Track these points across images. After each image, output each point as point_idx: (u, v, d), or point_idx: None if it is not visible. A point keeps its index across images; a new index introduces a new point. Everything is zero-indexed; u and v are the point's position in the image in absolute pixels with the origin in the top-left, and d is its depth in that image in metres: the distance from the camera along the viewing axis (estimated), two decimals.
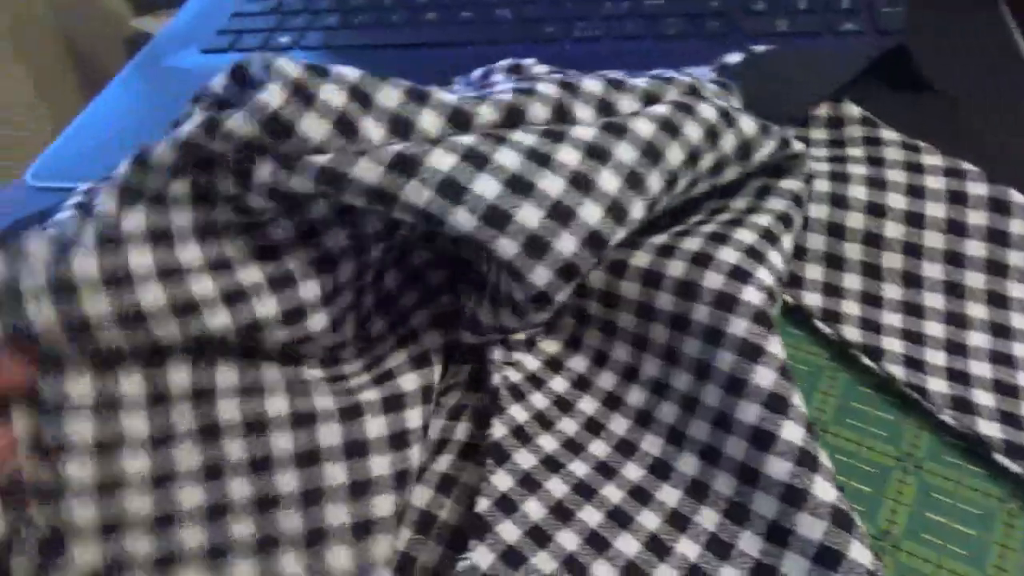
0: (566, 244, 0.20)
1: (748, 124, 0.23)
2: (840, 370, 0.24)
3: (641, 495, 0.21)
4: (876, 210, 0.26)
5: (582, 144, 0.21)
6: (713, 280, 0.21)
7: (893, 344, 0.23)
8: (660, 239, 0.24)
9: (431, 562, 0.21)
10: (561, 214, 0.20)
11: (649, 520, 0.20)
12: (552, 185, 0.20)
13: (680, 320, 0.22)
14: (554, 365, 0.24)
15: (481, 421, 0.23)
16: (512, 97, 0.21)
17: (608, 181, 0.20)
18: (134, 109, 0.39)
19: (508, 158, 0.20)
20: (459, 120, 0.21)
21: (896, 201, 0.26)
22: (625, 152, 0.21)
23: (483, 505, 0.20)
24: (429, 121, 0.20)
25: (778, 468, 0.19)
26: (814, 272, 0.25)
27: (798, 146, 0.25)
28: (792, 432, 0.19)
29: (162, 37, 0.44)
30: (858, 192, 0.26)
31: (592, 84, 0.23)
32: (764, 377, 0.20)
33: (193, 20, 0.45)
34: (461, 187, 0.19)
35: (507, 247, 0.19)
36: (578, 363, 0.24)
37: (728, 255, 0.22)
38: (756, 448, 0.19)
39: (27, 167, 0.36)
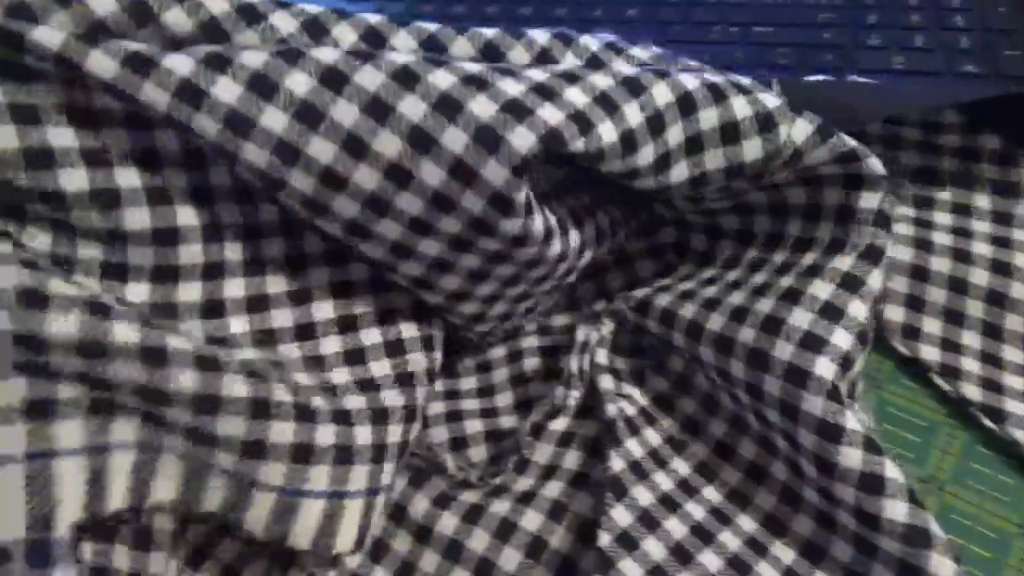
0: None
1: (742, 105, 0.20)
2: (959, 428, 0.23)
3: (757, 547, 0.21)
4: (1002, 269, 0.25)
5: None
6: (783, 350, 0.20)
7: (1018, 408, 0.23)
8: (738, 298, 0.23)
9: None
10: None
11: (768, 572, 0.20)
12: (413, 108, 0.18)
13: (755, 390, 0.21)
14: (664, 403, 0.24)
15: (592, 450, 0.24)
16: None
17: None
18: None
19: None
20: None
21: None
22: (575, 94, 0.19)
23: (604, 540, 0.20)
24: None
25: (890, 546, 0.19)
26: (932, 326, 0.25)
27: (872, 165, 0.21)
28: (895, 510, 0.18)
29: None
30: (983, 249, 0.25)
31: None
32: (851, 458, 0.19)
33: None
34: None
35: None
36: (688, 404, 0.24)
37: (800, 319, 0.21)
38: (867, 526, 0.19)
39: None
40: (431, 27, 0.21)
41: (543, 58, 0.22)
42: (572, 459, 0.24)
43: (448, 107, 0.18)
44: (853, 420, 0.19)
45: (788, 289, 0.22)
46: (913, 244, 0.26)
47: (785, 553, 0.20)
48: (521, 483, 0.23)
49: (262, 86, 0.18)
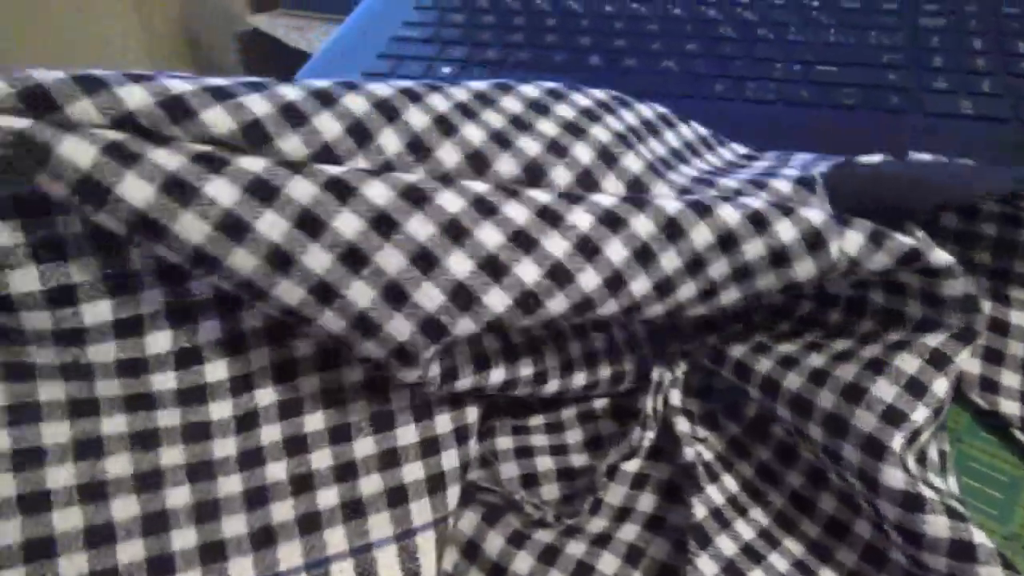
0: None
1: (786, 229, 0.20)
2: None
3: None
4: None
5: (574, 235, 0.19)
6: (865, 421, 0.20)
7: None
8: (818, 360, 0.22)
9: None
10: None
11: None
12: (459, 265, 0.18)
13: (834, 454, 0.21)
14: (738, 449, 0.24)
15: (666, 493, 0.23)
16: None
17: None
18: None
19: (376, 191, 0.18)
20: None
21: None
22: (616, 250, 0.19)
23: None
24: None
25: None
26: (1012, 380, 0.25)
27: (937, 258, 0.21)
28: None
29: (321, 58, 0.45)
30: None
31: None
32: (936, 527, 0.19)
33: (352, 41, 0.47)
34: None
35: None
36: (763, 452, 0.24)
37: (884, 391, 0.20)
38: None
39: None
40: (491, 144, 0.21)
41: (585, 181, 0.21)
42: (647, 502, 0.23)
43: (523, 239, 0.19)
44: (931, 490, 0.19)
45: (873, 359, 0.21)
46: (991, 296, 0.26)
47: None
48: (595, 524, 0.23)
49: (310, 223, 0.17)
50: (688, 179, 0.23)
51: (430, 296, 0.18)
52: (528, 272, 0.18)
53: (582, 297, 0.19)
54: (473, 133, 0.20)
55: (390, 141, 0.19)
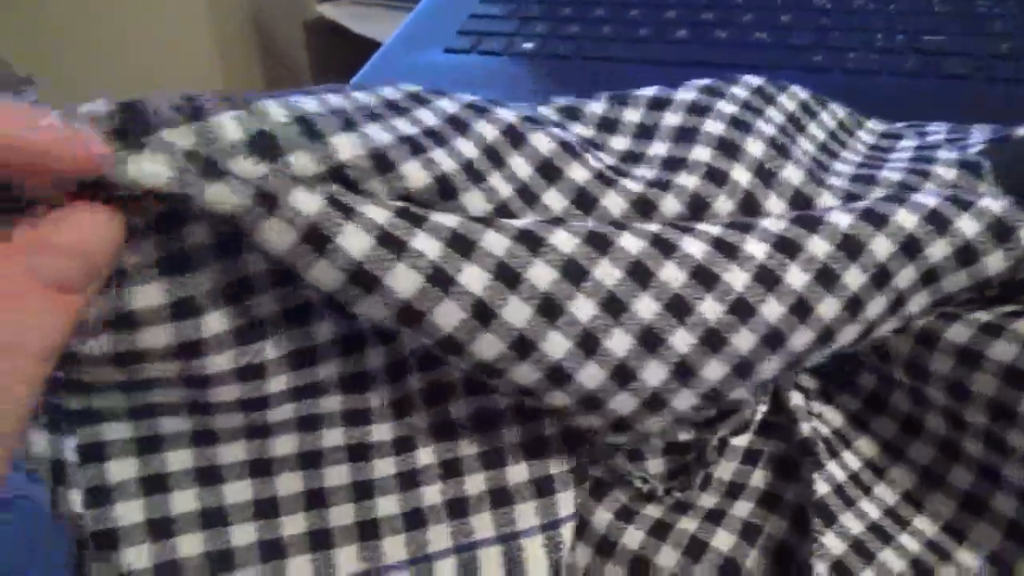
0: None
1: (968, 224, 0.20)
2: None
3: None
4: None
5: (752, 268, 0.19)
6: None
7: None
8: (983, 315, 0.21)
9: None
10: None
11: None
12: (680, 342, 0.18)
13: (1003, 408, 0.19)
14: (857, 424, 0.23)
15: (780, 470, 0.23)
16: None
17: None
18: None
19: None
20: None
21: None
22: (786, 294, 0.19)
23: (820, 569, 0.19)
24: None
25: None
26: None
27: None
28: None
29: (399, 37, 0.45)
30: None
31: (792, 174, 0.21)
32: None
33: (429, 20, 0.46)
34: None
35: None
36: (885, 426, 0.23)
37: None
38: None
39: None
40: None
41: (748, 204, 0.21)
42: (759, 478, 0.23)
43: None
44: None
45: None
46: None
47: None
48: (705, 500, 0.22)
49: (507, 276, 0.17)
50: (847, 179, 0.22)
51: (620, 342, 0.18)
52: (710, 309, 0.18)
53: (768, 329, 0.18)
54: (633, 186, 0.21)
55: (555, 200, 0.20)
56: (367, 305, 0.17)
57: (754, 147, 0.22)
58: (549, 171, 0.20)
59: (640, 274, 0.18)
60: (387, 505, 0.20)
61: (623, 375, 0.18)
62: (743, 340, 0.18)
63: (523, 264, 0.17)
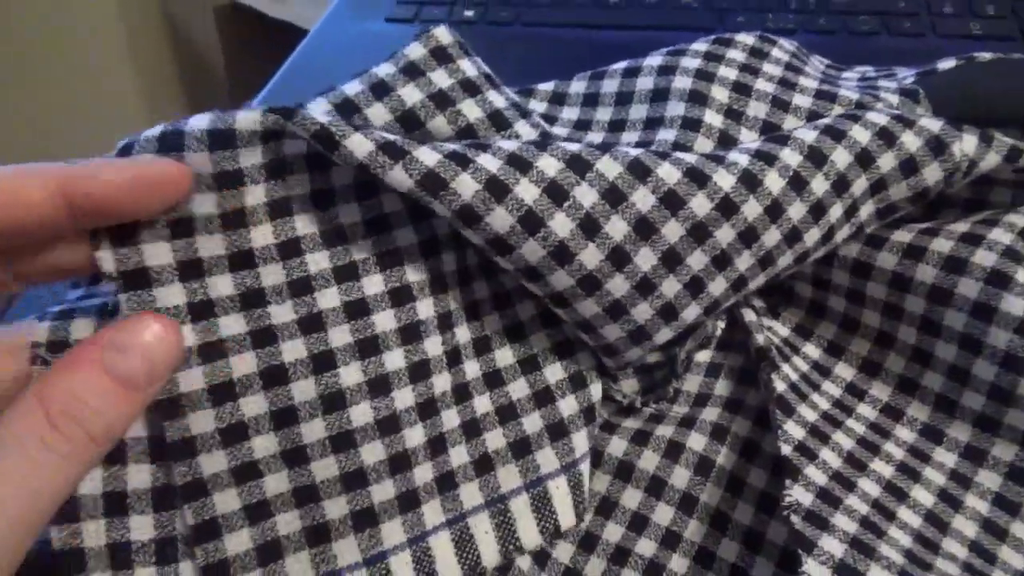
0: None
1: (912, 139, 0.23)
2: None
3: (919, 455, 0.22)
4: None
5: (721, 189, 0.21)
6: (985, 258, 0.23)
7: None
8: (920, 224, 0.24)
9: (713, 501, 0.22)
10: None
11: (935, 477, 0.21)
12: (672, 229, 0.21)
13: (941, 293, 0.23)
14: (802, 332, 0.26)
15: (740, 379, 0.25)
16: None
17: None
18: (326, 72, 0.40)
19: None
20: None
21: None
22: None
23: (786, 450, 0.21)
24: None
25: None
26: None
27: None
28: None
29: (339, 7, 0.46)
30: None
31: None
32: None
33: None
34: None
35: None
36: (825, 329, 0.26)
37: (1001, 237, 0.23)
38: None
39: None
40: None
41: (722, 140, 0.24)
42: (723, 387, 0.25)
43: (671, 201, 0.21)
44: None
45: (969, 233, 0.23)
46: None
47: (946, 457, 0.22)
48: (677, 410, 0.25)
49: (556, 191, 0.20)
50: (810, 96, 0.25)
51: (672, 289, 0.21)
52: (700, 205, 0.21)
53: (746, 225, 0.21)
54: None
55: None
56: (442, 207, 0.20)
57: (719, 92, 0.24)
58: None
59: (639, 172, 0.21)
60: (422, 474, 0.21)
61: (646, 287, 0.21)
62: (724, 234, 0.21)
63: (533, 156, 0.20)
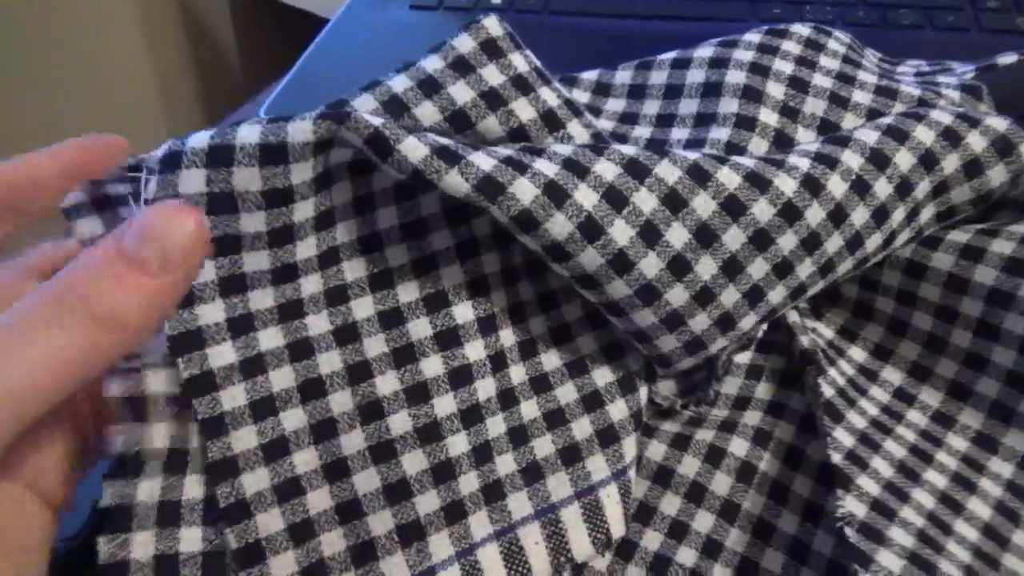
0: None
1: (977, 140, 0.22)
2: None
3: (973, 464, 0.21)
4: None
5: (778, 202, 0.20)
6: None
7: None
8: (979, 226, 0.23)
9: (755, 509, 0.22)
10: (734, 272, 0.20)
11: (992, 488, 0.21)
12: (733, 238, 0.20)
13: (1002, 296, 0.22)
14: (847, 335, 0.25)
15: (784, 382, 0.24)
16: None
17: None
18: (349, 60, 0.39)
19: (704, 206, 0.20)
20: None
21: None
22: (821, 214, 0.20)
23: (836, 458, 0.20)
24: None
25: None
26: None
27: None
28: None
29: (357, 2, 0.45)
30: None
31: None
32: None
33: None
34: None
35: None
36: (872, 332, 0.25)
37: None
38: None
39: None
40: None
41: (779, 140, 0.23)
42: (763, 390, 0.24)
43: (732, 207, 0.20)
44: None
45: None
46: None
47: (1002, 467, 0.21)
48: (717, 414, 0.24)
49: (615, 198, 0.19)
50: (870, 92, 0.24)
51: (732, 298, 0.20)
52: (762, 211, 0.20)
53: (809, 232, 0.20)
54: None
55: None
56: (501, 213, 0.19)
57: (775, 88, 0.23)
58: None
59: (699, 176, 0.20)
60: (467, 484, 0.20)
61: (705, 297, 0.20)
62: (786, 241, 0.20)
63: (590, 160, 0.19)
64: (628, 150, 0.20)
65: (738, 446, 0.23)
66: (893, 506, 0.19)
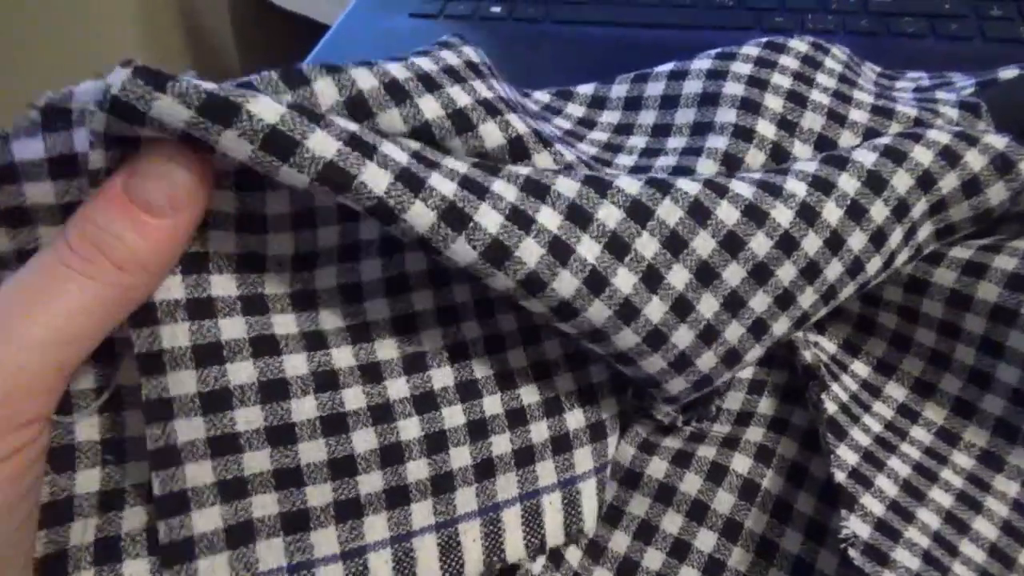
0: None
1: (976, 158, 0.21)
2: None
3: (978, 482, 0.21)
4: None
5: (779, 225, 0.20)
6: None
7: None
8: (980, 241, 0.23)
9: (758, 527, 0.21)
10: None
11: (998, 508, 0.20)
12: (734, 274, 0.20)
13: (1005, 313, 0.22)
14: (850, 348, 0.25)
15: (786, 397, 0.24)
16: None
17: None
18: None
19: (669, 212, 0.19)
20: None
21: None
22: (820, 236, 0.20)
23: (840, 477, 0.20)
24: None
25: None
26: None
27: None
28: None
29: (363, 1, 0.45)
30: None
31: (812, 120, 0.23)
32: None
33: None
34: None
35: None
36: (875, 346, 0.24)
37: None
38: None
39: None
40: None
41: (775, 154, 0.23)
42: (766, 405, 0.24)
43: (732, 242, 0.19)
44: None
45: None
46: None
47: (1008, 486, 0.21)
48: (719, 429, 0.24)
49: (578, 216, 0.18)
50: (867, 111, 0.24)
51: (736, 334, 0.20)
52: (760, 244, 0.20)
53: (807, 261, 0.20)
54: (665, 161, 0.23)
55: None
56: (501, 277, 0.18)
57: (773, 101, 0.23)
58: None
59: (699, 214, 0.19)
60: (416, 471, 0.20)
61: (710, 334, 0.20)
62: (785, 272, 0.19)
63: (593, 205, 0.18)
64: (632, 187, 0.19)
65: (740, 463, 0.22)
66: (898, 527, 0.19)
